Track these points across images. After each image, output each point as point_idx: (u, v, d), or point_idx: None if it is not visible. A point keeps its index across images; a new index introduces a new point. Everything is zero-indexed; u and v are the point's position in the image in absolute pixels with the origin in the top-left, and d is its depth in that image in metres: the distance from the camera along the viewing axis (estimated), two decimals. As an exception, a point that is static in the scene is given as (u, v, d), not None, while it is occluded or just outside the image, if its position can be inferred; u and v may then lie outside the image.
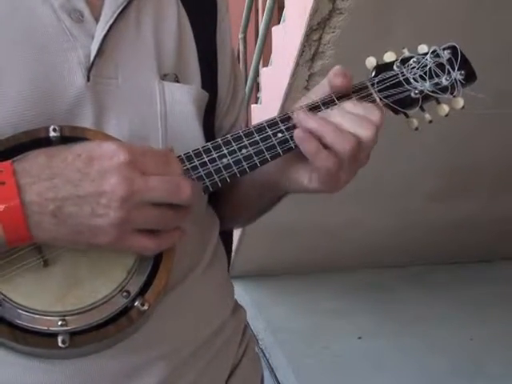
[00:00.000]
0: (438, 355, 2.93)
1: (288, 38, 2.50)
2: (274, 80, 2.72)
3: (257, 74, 3.39)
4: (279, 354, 2.98)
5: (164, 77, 0.75)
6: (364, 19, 2.20)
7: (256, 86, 3.60)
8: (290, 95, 2.50)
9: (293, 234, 3.39)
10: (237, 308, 0.89)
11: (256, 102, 3.50)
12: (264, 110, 2.98)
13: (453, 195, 3.40)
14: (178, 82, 0.76)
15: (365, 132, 0.69)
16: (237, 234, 3.21)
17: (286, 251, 3.56)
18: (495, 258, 4.03)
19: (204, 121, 0.79)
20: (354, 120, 0.70)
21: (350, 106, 0.72)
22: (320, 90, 0.76)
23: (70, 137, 0.65)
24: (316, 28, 2.23)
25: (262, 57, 3.29)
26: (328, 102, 0.73)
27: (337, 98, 0.74)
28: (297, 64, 2.36)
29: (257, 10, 4.14)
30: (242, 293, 3.33)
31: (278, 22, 3.01)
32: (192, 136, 0.75)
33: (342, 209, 3.24)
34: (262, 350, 3.03)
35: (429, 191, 3.35)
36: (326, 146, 0.69)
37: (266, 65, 3.22)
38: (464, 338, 3.10)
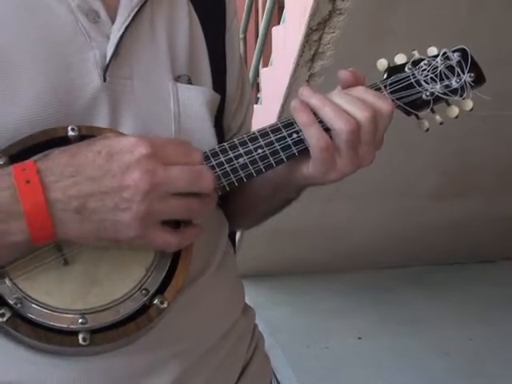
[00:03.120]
0: (438, 355, 2.93)
1: (288, 38, 2.50)
2: (274, 80, 2.72)
3: (257, 74, 3.39)
4: (279, 354, 2.98)
5: (177, 78, 0.76)
6: (364, 20, 2.20)
7: (256, 86, 3.60)
8: (290, 95, 2.51)
9: (292, 234, 3.40)
10: (246, 308, 0.89)
11: (256, 102, 3.50)
12: (264, 110, 2.98)
13: (453, 195, 3.41)
14: (190, 83, 0.77)
15: (359, 112, 0.70)
16: (236, 234, 3.21)
17: (286, 251, 3.57)
18: (496, 258, 4.03)
19: (213, 122, 0.80)
20: (355, 102, 0.70)
21: (358, 90, 0.72)
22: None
23: (88, 136, 0.65)
24: (316, 28, 2.23)
25: (262, 57, 3.29)
26: None
27: None
28: (297, 64, 2.37)
29: (257, 11, 4.14)
30: (241, 293, 3.32)
31: (278, 23, 3.01)
32: (205, 137, 0.76)
33: (341, 209, 3.25)
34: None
35: (429, 191, 3.36)
36: (326, 129, 0.70)
37: (266, 65, 3.23)
38: (464, 338, 3.10)
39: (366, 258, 3.74)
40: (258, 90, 3.57)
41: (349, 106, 0.70)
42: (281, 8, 2.97)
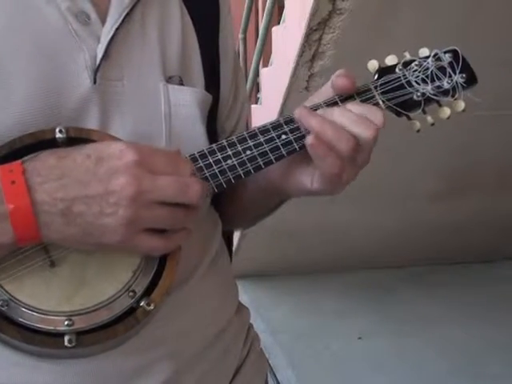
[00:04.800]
0: (438, 355, 2.93)
1: (288, 38, 2.50)
2: (274, 80, 2.72)
3: (257, 74, 3.39)
4: (279, 354, 2.98)
5: (169, 79, 0.75)
6: (364, 19, 2.20)
7: (256, 87, 3.60)
8: (290, 95, 2.50)
9: (292, 234, 3.40)
10: (240, 308, 0.89)
11: (256, 102, 3.50)
12: (264, 110, 2.98)
13: (454, 195, 3.40)
14: (182, 84, 0.76)
15: (364, 132, 0.69)
16: (236, 234, 3.21)
17: (286, 251, 3.57)
18: (496, 258, 4.03)
19: (206, 123, 0.79)
20: (353, 119, 0.70)
21: (351, 106, 0.72)
22: (323, 94, 0.76)
23: (76, 138, 0.65)
24: (316, 28, 2.23)
25: (262, 57, 3.29)
26: (331, 105, 0.74)
27: (340, 101, 0.74)
28: (297, 64, 2.36)
29: (257, 11, 4.14)
30: (241, 293, 3.29)
31: (278, 23, 3.01)
32: (196, 138, 0.75)
33: (342, 209, 3.24)
34: (262, 353, 3.02)
35: (430, 191, 3.35)
36: (331, 150, 0.69)
37: (266, 65, 3.22)
38: (464, 338, 3.10)
39: (366, 258, 3.74)
40: (257, 89, 3.57)
41: (347, 122, 0.70)
42: (281, 8, 2.97)
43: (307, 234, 3.43)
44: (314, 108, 0.73)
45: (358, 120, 0.70)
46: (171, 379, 0.73)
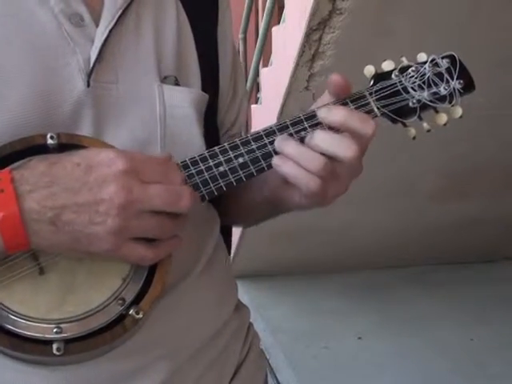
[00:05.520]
0: (438, 355, 2.93)
1: (288, 38, 2.49)
2: (274, 80, 2.72)
3: (257, 74, 3.39)
4: (279, 354, 2.98)
5: (164, 79, 0.75)
6: (364, 19, 2.20)
7: (256, 86, 3.60)
8: (290, 95, 2.50)
9: (292, 234, 3.39)
10: (240, 307, 0.89)
11: (256, 102, 3.49)
12: (264, 110, 2.97)
13: (454, 196, 3.40)
14: (178, 84, 0.76)
15: (344, 152, 0.68)
16: (236, 234, 3.21)
17: (286, 251, 3.56)
18: (496, 258, 4.02)
19: (206, 120, 0.79)
20: (330, 142, 0.68)
21: (343, 114, 0.70)
22: (321, 102, 0.75)
23: (67, 144, 0.64)
24: (316, 28, 2.23)
25: (262, 57, 3.28)
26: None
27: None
28: (297, 64, 2.36)
29: (257, 11, 4.13)
30: (241, 293, 3.29)
31: (278, 22, 3.00)
32: (191, 139, 0.75)
33: (342, 209, 3.24)
34: (262, 351, 3.02)
35: (430, 192, 3.35)
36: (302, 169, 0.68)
37: (266, 65, 3.22)
38: (464, 338, 3.10)
39: (366, 257, 3.73)
40: (257, 89, 3.56)
41: (329, 147, 0.68)
42: (281, 8, 2.96)
43: (307, 234, 3.43)
44: (310, 114, 0.72)
45: (335, 141, 0.68)
46: (168, 379, 0.73)
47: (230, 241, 0.96)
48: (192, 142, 0.75)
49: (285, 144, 0.69)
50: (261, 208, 0.84)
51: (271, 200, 0.78)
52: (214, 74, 0.83)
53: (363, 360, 2.93)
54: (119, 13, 0.72)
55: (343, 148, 0.68)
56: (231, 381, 0.82)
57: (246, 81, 3.38)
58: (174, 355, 0.74)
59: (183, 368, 0.75)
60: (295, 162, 0.68)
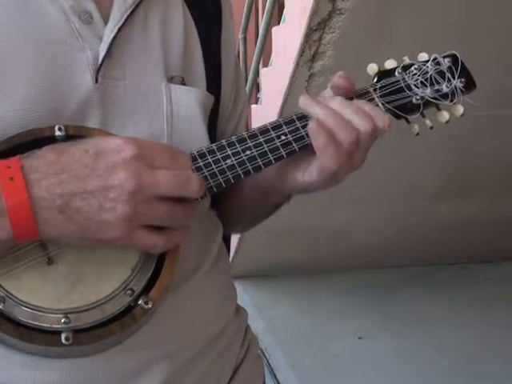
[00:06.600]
0: (438, 355, 2.93)
1: (288, 38, 2.50)
2: (274, 80, 2.72)
3: (257, 74, 3.38)
4: (279, 354, 2.99)
5: (171, 79, 0.75)
6: (364, 20, 2.20)
7: (256, 86, 3.60)
8: (290, 95, 2.50)
9: (293, 234, 3.39)
10: (239, 309, 0.89)
11: (256, 102, 3.49)
12: (264, 110, 2.98)
13: (454, 196, 3.40)
14: (184, 84, 0.76)
15: (363, 124, 0.70)
16: (236, 234, 3.21)
17: (286, 252, 3.56)
18: (497, 258, 4.02)
19: (208, 123, 0.79)
20: (353, 109, 0.71)
21: (357, 101, 0.73)
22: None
23: (75, 136, 0.65)
24: (316, 28, 2.23)
25: (262, 57, 3.29)
26: None
27: None
28: (297, 64, 2.36)
29: (257, 11, 4.14)
30: (241, 293, 3.30)
31: (278, 23, 3.01)
32: (197, 138, 0.75)
33: (342, 209, 3.25)
34: (262, 351, 3.03)
35: (430, 192, 3.35)
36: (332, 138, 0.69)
37: (266, 65, 3.22)
38: (464, 338, 3.10)
39: (367, 258, 3.73)
40: (257, 90, 3.56)
41: (352, 116, 0.70)
42: (281, 8, 2.97)
43: (307, 234, 3.43)
44: None
45: (357, 111, 0.71)
46: (169, 379, 0.73)
47: (229, 246, 0.97)
48: (198, 140, 0.75)
49: (320, 108, 0.71)
50: (254, 198, 0.84)
51: (265, 187, 0.79)
52: (217, 79, 0.83)
53: (363, 360, 2.93)
54: (128, 11, 0.73)
55: (363, 120, 0.70)
56: (229, 382, 0.82)
57: (246, 81, 3.38)
58: (176, 355, 0.74)
59: (184, 368, 0.75)
60: (330, 129, 0.69)
